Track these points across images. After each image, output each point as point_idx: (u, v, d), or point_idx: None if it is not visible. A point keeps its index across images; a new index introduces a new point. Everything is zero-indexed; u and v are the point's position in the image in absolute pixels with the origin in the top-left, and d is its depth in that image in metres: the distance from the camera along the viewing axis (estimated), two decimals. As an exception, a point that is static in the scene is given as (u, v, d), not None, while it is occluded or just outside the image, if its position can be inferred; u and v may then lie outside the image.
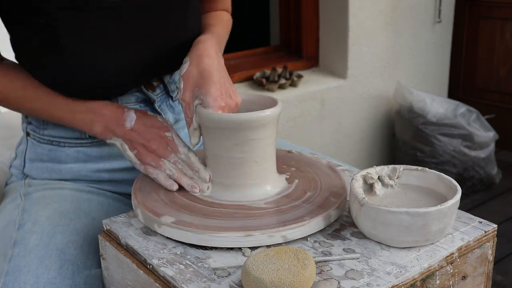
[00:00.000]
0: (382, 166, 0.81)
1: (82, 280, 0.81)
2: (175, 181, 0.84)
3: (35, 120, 0.96)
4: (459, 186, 0.74)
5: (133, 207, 0.82)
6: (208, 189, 0.82)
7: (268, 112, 0.78)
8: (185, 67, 0.82)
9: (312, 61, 2.47)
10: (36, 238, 0.83)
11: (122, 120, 0.87)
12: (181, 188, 0.84)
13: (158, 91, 0.97)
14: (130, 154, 0.87)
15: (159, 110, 0.96)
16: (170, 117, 0.98)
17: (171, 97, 1.00)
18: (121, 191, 0.99)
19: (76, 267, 0.81)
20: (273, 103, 0.82)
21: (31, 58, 0.87)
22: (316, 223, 0.75)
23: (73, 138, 0.94)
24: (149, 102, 0.96)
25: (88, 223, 0.88)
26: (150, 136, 0.85)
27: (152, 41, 0.88)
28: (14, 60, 0.93)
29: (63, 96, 0.88)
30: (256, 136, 0.78)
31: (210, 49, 0.83)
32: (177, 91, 0.97)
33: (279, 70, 2.27)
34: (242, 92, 0.86)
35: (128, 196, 0.99)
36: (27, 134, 0.98)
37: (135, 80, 0.92)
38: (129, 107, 0.91)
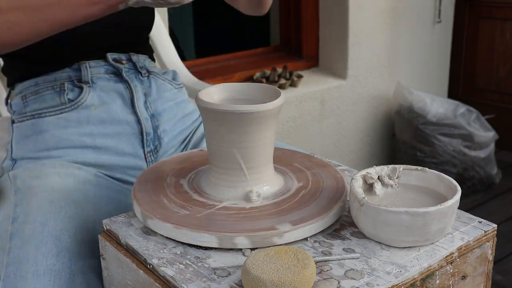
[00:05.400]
0: (382, 166, 0.81)
1: (78, 269, 0.82)
2: None
3: (16, 104, 1.03)
4: (459, 186, 0.74)
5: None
6: None
7: (270, 104, 0.76)
8: None
9: (312, 61, 2.47)
10: (30, 227, 0.84)
11: None
12: (182, 182, 0.85)
13: (127, 66, 1.07)
14: None
15: (126, 78, 1.05)
16: (139, 89, 1.06)
17: (141, 73, 1.08)
18: (106, 162, 1.01)
19: (72, 255, 0.83)
20: (274, 93, 0.80)
21: None
22: (281, 237, 0.73)
23: (53, 106, 1.01)
24: (117, 74, 1.05)
25: (78, 212, 0.89)
26: None
27: (117, 17, 0.90)
28: None
29: None
30: (255, 130, 0.77)
31: None
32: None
33: (279, 70, 2.27)
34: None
35: (116, 180, 1.03)
36: (12, 122, 1.03)
37: (102, 48, 1.05)
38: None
